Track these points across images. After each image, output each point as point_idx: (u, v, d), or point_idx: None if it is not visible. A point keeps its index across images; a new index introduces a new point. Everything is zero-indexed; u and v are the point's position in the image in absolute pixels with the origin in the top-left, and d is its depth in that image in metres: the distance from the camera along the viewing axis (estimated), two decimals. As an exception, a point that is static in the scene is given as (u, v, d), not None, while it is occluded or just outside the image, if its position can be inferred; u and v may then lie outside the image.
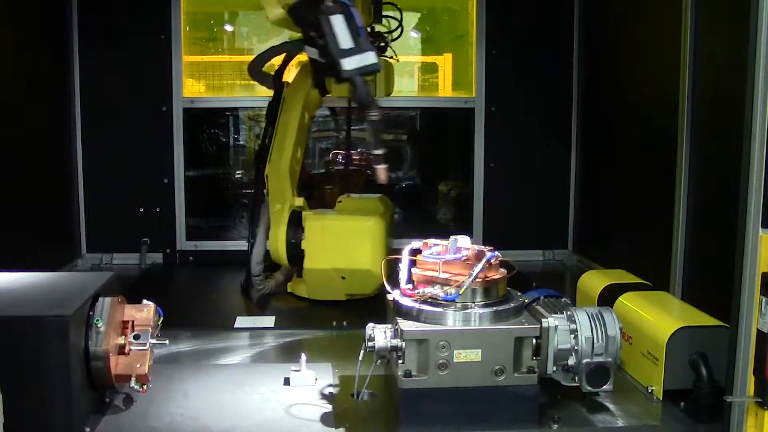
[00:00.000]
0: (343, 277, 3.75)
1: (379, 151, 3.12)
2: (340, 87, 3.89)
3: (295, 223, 3.79)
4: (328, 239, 3.73)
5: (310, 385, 2.61)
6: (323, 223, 3.76)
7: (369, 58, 3.00)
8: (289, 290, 4.04)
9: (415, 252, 2.47)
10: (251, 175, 5.12)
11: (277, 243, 3.78)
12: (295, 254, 3.78)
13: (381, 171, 3.09)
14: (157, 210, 4.91)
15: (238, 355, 3.06)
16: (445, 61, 5.49)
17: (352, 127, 5.14)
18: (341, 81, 3.11)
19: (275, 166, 3.88)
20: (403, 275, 2.44)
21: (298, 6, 3.20)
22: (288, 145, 3.89)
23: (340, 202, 4.06)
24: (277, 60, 4.09)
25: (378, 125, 3.13)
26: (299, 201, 3.90)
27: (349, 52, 2.98)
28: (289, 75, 4.11)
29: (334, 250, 3.72)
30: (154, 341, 2.41)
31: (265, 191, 3.94)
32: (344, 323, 3.46)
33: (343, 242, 3.71)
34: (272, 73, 4.08)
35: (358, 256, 3.69)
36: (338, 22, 2.99)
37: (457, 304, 2.32)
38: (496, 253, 2.39)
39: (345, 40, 2.99)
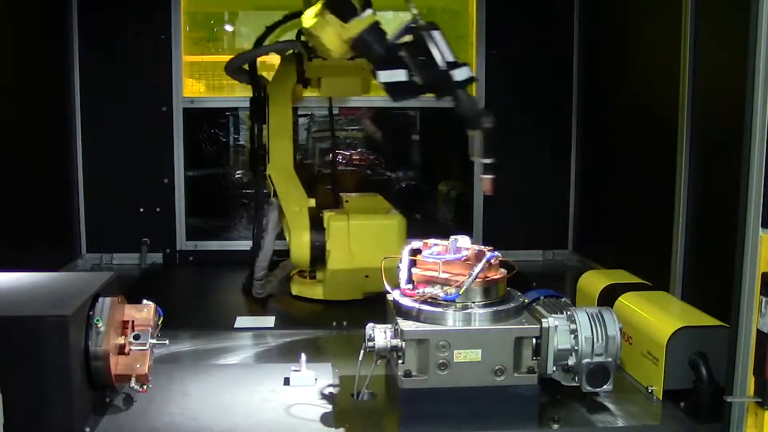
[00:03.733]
0: (366, 276, 3.74)
1: (487, 160, 3.07)
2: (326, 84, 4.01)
3: (316, 224, 3.79)
4: (354, 239, 3.75)
5: (310, 385, 2.61)
6: (349, 223, 3.77)
7: (468, 71, 3.06)
8: (294, 293, 3.99)
9: (415, 252, 2.47)
10: (251, 176, 5.13)
11: (301, 246, 3.77)
12: (318, 256, 3.78)
13: (487, 181, 3.06)
14: (157, 210, 4.91)
15: (238, 355, 3.06)
16: (445, 61, 5.48)
17: (352, 128, 5.14)
18: (442, 96, 3.10)
19: (279, 166, 3.87)
20: (403, 275, 2.44)
21: (364, 38, 3.16)
22: (287, 143, 3.90)
23: (347, 201, 4.05)
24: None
25: (488, 134, 3.07)
26: (311, 201, 3.89)
27: (455, 65, 3.02)
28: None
29: (360, 250, 3.73)
30: (154, 341, 2.41)
31: (266, 192, 3.92)
32: (344, 323, 3.46)
33: (370, 241, 3.72)
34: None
35: (385, 253, 3.70)
36: (440, 37, 3.02)
37: (457, 304, 2.32)
38: (496, 253, 2.39)
39: (448, 53, 3.01)
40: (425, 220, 5.36)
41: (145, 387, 2.36)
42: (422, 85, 3.08)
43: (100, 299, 2.32)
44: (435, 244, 2.49)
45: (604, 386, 2.39)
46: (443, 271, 2.38)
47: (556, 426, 2.31)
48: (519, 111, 5.00)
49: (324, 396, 2.53)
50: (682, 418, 2.41)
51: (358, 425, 2.34)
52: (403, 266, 2.44)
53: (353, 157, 5.25)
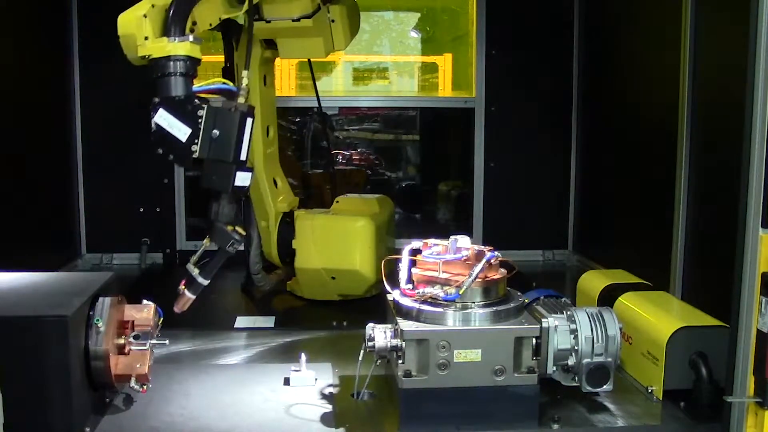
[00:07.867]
0: (333, 278, 3.74)
1: (204, 281, 2.64)
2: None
3: (288, 223, 3.78)
4: (318, 239, 3.72)
5: (310, 385, 2.61)
6: (314, 222, 3.74)
7: (249, 180, 2.56)
8: (288, 289, 4.03)
9: (415, 252, 2.47)
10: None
11: (271, 246, 3.79)
12: (287, 254, 3.77)
13: (184, 299, 2.63)
14: (157, 210, 4.91)
15: (238, 355, 3.06)
16: (445, 61, 5.50)
17: (353, 128, 5.14)
18: (209, 185, 2.49)
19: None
20: (403, 275, 2.44)
21: (163, 64, 2.49)
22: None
23: (337, 202, 4.05)
24: None
25: (222, 255, 2.67)
26: (283, 206, 3.82)
27: (243, 166, 2.51)
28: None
29: (323, 250, 3.71)
30: (154, 341, 2.42)
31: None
32: (344, 323, 3.46)
33: (333, 242, 3.70)
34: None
35: (348, 256, 3.69)
36: (249, 127, 2.50)
37: (457, 304, 2.32)
38: (496, 253, 2.39)
39: (245, 151, 2.50)
40: (425, 220, 5.38)
41: (145, 387, 2.36)
42: (196, 158, 2.47)
43: (100, 299, 2.31)
44: (435, 244, 2.49)
45: (604, 386, 2.39)
46: (443, 271, 2.38)
47: (556, 426, 2.32)
48: (519, 111, 5.01)
49: (324, 396, 2.54)
50: (682, 418, 2.41)
51: (358, 425, 2.34)
52: (403, 266, 2.44)
53: (353, 157, 5.25)
